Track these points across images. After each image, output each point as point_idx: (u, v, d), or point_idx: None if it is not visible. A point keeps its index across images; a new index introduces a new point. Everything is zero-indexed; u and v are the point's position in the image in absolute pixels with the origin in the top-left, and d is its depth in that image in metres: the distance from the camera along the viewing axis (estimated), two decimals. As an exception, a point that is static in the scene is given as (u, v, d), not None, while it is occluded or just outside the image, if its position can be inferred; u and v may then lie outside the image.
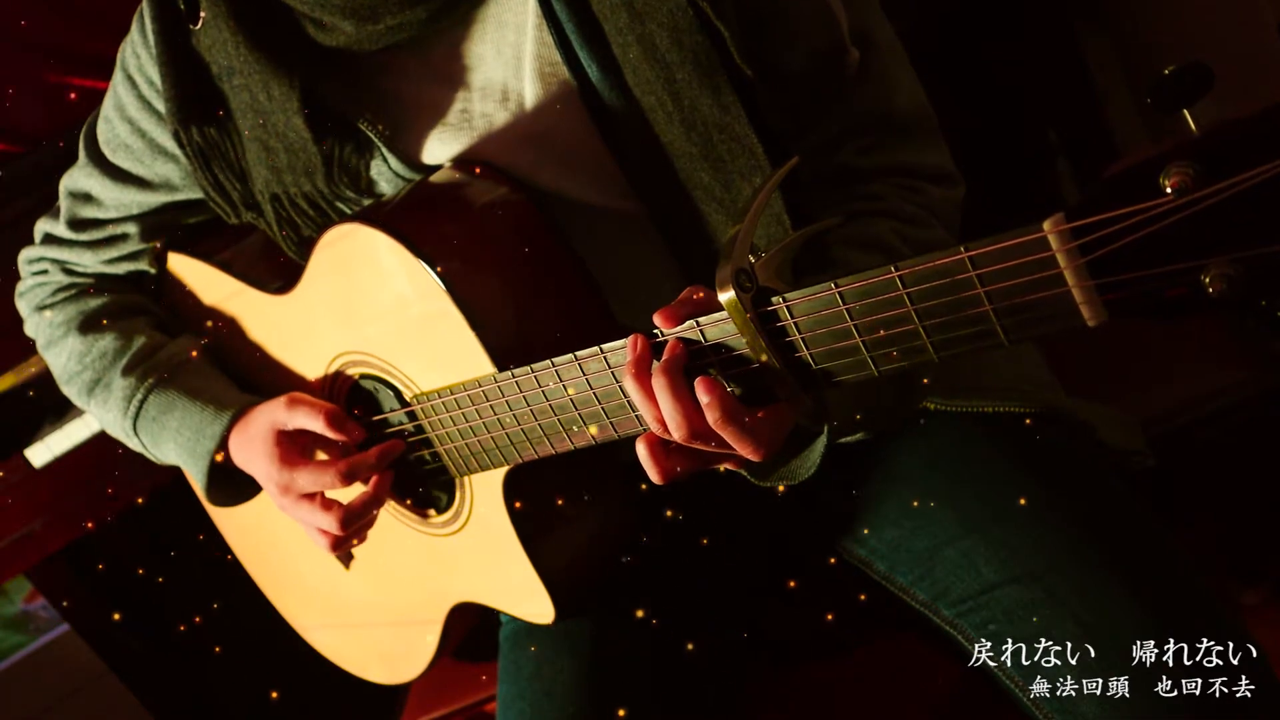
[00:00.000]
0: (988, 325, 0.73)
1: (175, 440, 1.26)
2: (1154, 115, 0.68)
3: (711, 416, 0.85)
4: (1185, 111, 0.65)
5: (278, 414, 1.19)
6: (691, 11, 1.00)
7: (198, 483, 1.28)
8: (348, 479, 1.16)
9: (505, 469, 1.13)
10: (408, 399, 1.16)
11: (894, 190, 1.08)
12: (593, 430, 1.00)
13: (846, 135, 1.09)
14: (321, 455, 1.23)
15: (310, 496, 1.18)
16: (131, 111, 1.22)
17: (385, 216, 1.10)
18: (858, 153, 1.09)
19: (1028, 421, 1.14)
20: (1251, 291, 0.62)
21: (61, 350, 1.33)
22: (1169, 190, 0.62)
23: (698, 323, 0.87)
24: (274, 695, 1.94)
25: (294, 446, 1.19)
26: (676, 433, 0.87)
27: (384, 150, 1.14)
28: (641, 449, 0.90)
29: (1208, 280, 0.63)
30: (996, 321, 0.72)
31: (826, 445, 0.95)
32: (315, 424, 1.17)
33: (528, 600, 1.18)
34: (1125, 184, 0.64)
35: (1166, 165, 0.62)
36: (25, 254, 1.38)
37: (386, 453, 1.18)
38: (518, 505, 1.14)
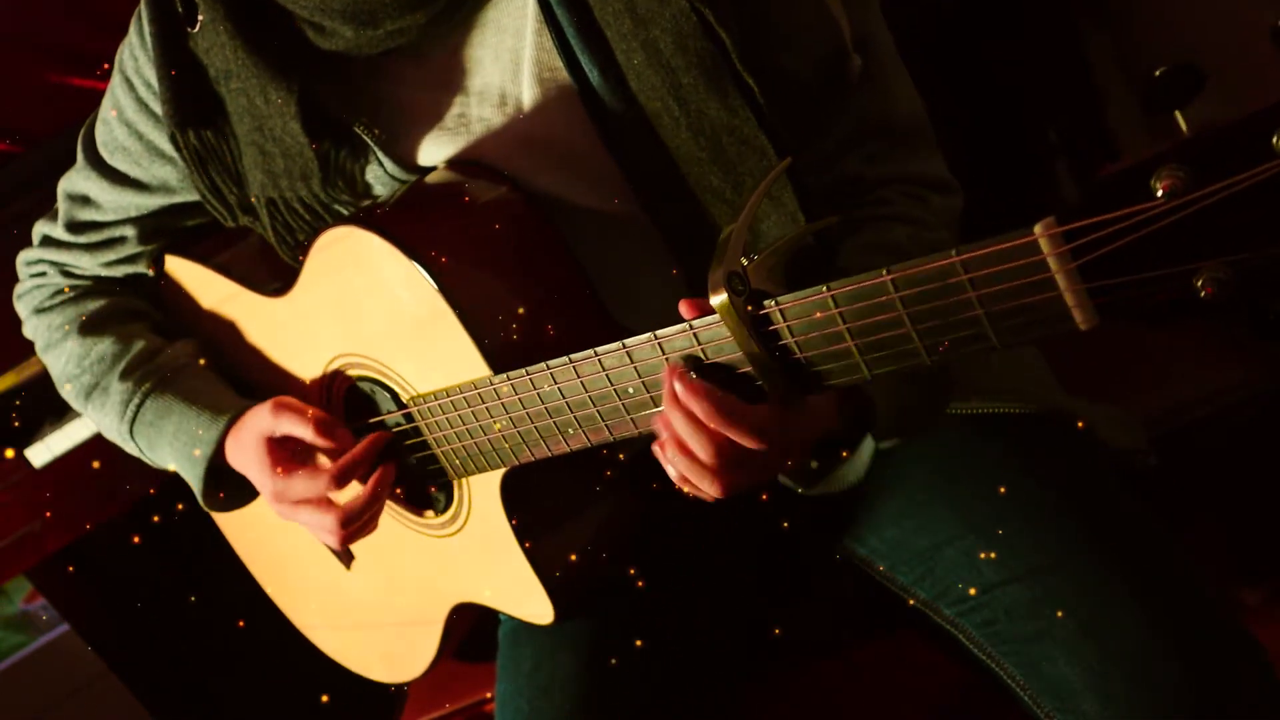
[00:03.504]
0: (980, 329, 0.73)
1: (171, 445, 1.26)
2: (1155, 114, 0.68)
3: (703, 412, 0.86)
4: (1177, 113, 0.65)
5: (264, 420, 1.18)
6: (695, 17, 1.00)
7: (194, 488, 1.28)
8: (341, 482, 1.16)
9: (503, 471, 1.13)
10: (404, 401, 1.16)
11: (902, 197, 1.09)
12: (588, 433, 1.01)
13: (851, 142, 1.09)
14: (321, 458, 1.22)
15: (308, 500, 1.18)
16: (129, 114, 1.22)
17: (380, 219, 1.10)
18: (864, 161, 1.10)
19: (1028, 421, 1.14)
20: (1243, 295, 0.62)
21: (60, 353, 1.33)
22: (1160, 193, 0.62)
23: (691, 326, 0.87)
24: (273, 695, 1.94)
25: (284, 452, 1.18)
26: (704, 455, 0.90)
27: (379, 154, 1.13)
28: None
29: (1200, 283, 0.63)
30: (989, 325, 0.72)
31: (875, 449, 0.96)
32: (301, 430, 1.16)
33: (527, 601, 1.18)
34: (1117, 187, 0.64)
35: (1158, 168, 0.62)
36: (23, 256, 1.38)
37: (373, 446, 1.16)
38: (515, 507, 1.14)
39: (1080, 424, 1.15)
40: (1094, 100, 1.96)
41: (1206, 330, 1.57)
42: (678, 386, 0.88)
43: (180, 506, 1.49)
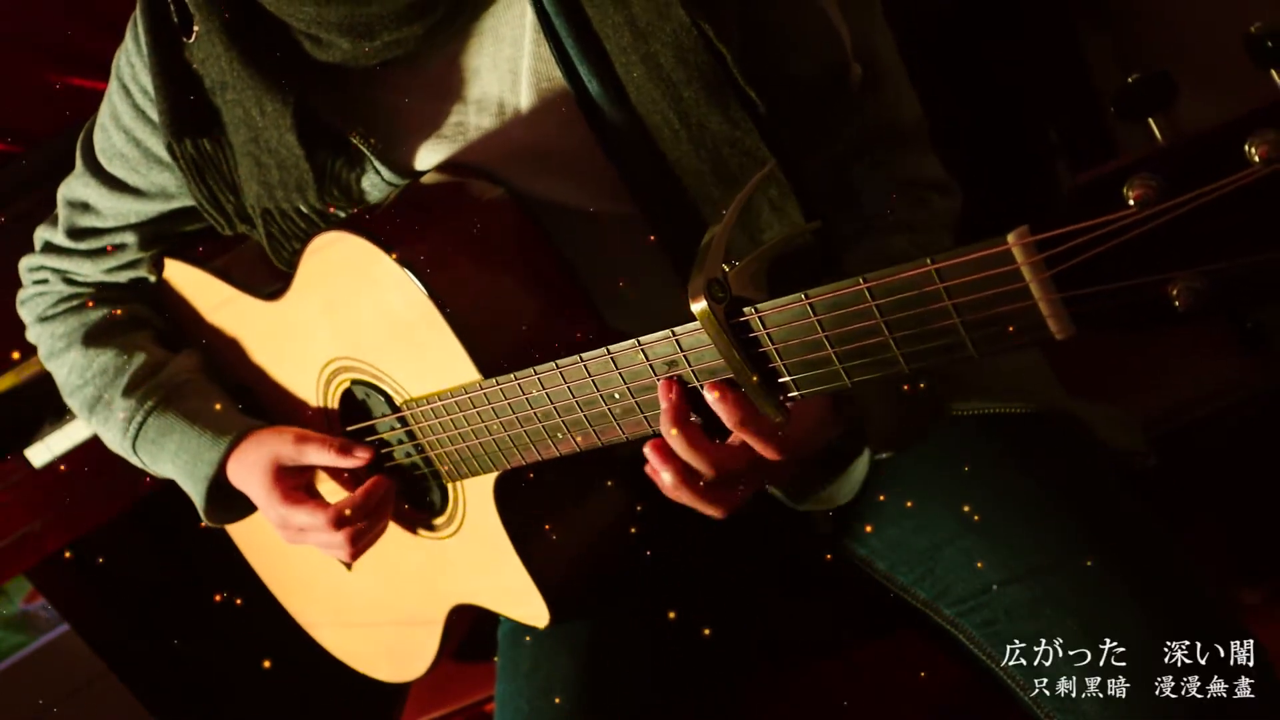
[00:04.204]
0: (957, 338, 0.72)
1: (174, 462, 1.26)
2: (1128, 121, 0.68)
3: (731, 420, 0.88)
4: (1150, 120, 0.65)
5: (284, 449, 1.19)
6: (695, 31, 0.99)
7: (196, 504, 1.28)
8: (338, 524, 1.16)
9: (495, 474, 1.13)
10: (398, 404, 1.16)
11: (904, 202, 1.09)
12: (576, 438, 1.01)
13: (855, 150, 1.10)
14: (324, 479, 1.23)
15: (313, 528, 1.19)
16: (126, 120, 1.21)
17: (369, 223, 1.09)
18: (869, 167, 1.10)
19: (1028, 421, 1.14)
20: (1218, 304, 0.62)
21: (64, 363, 1.33)
22: (1132, 202, 0.61)
23: (673, 332, 0.88)
24: (273, 695, 1.94)
25: (291, 481, 1.19)
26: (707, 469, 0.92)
27: (375, 163, 1.13)
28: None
29: (1175, 293, 0.62)
30: (965, 334, 0.72)
31: (867, 472, 0.99)
32: (328, 458, 1.17)
33: (523, 603, 1.18)
34: (1089, 196, 0.63)
35: (1130, 177, 0.61)
36: (25, 262, 1.37)
37: (372, 492, 1.18)
38: (509, 510, 1.14)
39: (1080, 424, 1.15)
40: (1094, 100, 1.96)
41: (1208, 330, 1.57)
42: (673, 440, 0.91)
43: (182, 505, 1.49)
